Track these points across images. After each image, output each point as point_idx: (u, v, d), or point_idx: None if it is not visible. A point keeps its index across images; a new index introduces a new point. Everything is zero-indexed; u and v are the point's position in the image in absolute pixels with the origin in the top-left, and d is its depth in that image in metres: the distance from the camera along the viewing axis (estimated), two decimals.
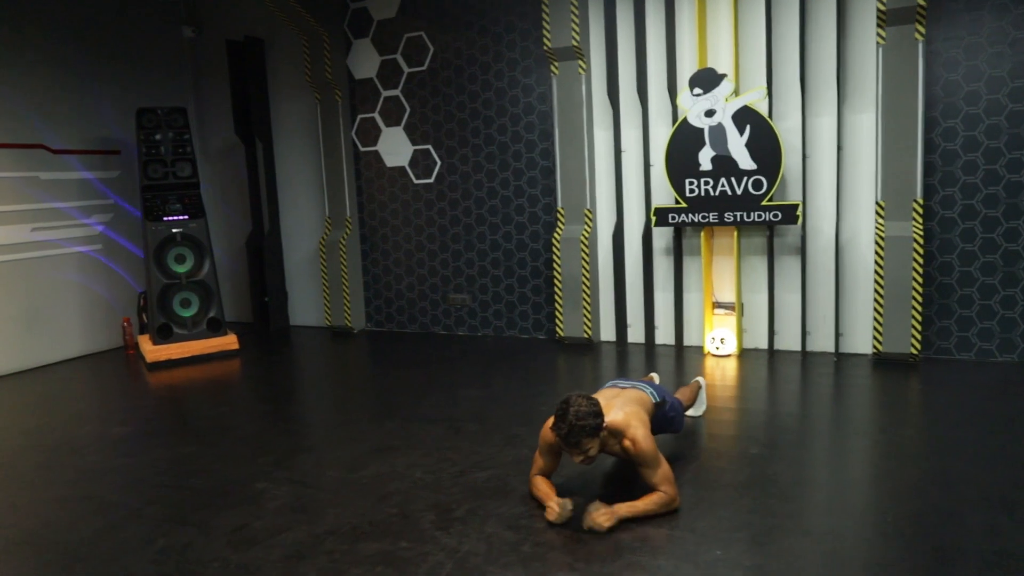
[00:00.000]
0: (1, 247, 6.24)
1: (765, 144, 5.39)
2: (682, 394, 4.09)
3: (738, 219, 5.55)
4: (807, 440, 4.03)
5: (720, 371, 5.40)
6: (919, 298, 5.18)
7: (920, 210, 5.15)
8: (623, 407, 3.25)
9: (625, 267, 6.20)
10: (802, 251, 5.54)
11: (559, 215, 6.27)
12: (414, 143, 6.99)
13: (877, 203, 5.26)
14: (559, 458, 3.32)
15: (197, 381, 5.95)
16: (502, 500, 3.42)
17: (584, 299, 6.22)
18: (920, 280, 5.16)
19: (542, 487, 3.30)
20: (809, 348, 5.67)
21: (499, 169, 6.63)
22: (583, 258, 6.16)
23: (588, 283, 6.19)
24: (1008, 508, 3.11)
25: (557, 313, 6.35)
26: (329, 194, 7.30)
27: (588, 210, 6.17)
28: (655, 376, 4.48)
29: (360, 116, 7.18)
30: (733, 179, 5.52)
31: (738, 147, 5.46)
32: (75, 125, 6.78)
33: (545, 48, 6.03)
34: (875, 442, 4.02)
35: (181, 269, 6.50)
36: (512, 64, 6.45)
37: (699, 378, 4.44)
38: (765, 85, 5.46)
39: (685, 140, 5.61)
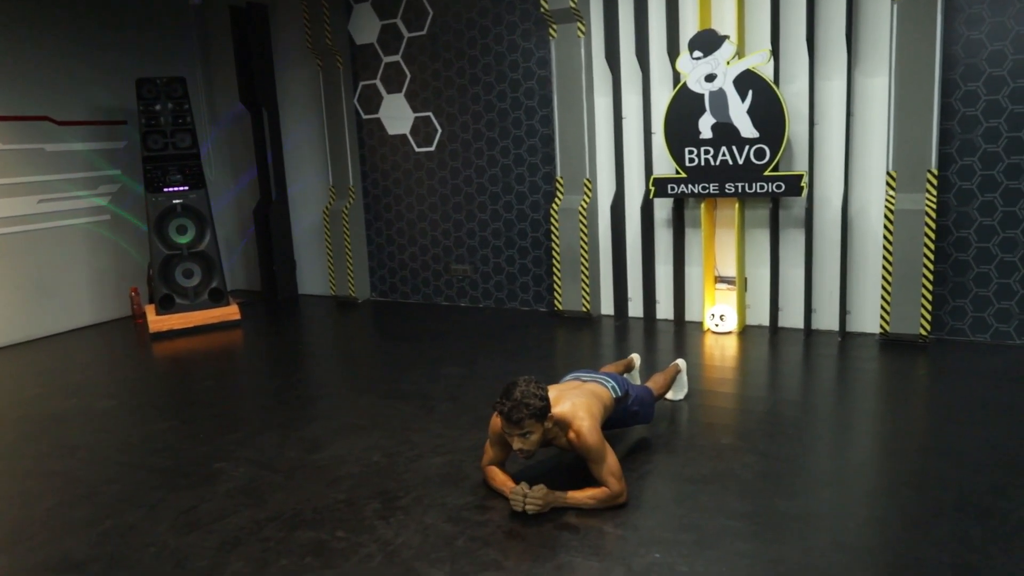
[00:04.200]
0: (8, 219, 6.33)
1: (768, 110, 5.07)
2: (655, 381, 3.90)
3: (740, 190, 5.26)
4: (785, 430, 3.76)
5: (717, 349, 5.18)
6: (930, 276, 4.85)
7: (934, 181, 4.79)
8: (574, 399, 3.12)
9: (626, 239, 5.98)
10: (808, 224, 5.24)
11: (558, 185, 6.06)
12: (415, 110, 6.82)
13: (888, 173, 4.92)
14: (509, 448, 3.18)
15: (194, 352, 5.98)
16: (450, 488, 3.33)
17: (583, 272, 6.03)
18: (932, 257, 4.82)
19: (498, 476, 3.21)
20: (814, 326, 5.39)
21: (499, 137, 6.43)
22: (582, 229, 5.96)
23: (587, 255, 5.99)
24: (982, 516, 2.88)
25: (555, 286, 6.18)
26: (333, 163, 7.21)
27: (588, 180, 5.95)
28: (635, 357, 4.31)
29: (362, 83, 7.04)
30: (734, 148, 5.22)
31: (739, 114, 5.15)
32: (81, 96, 6.80)
33: (543, 10, 5.77)
34: (859, 436, 3.79)
35: (182, 240, 6.52)
36: (512, 27, 6.20)
37: (679, 360, 4.24)
38: (769, 47, 5.12)
39: (684, 107, 5.32)
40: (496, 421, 3.09)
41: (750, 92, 5.10)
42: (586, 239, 5.96)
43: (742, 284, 5.52)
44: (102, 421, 4.46)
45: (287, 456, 3.79)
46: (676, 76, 5.42)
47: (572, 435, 3.02)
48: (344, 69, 6.97)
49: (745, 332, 5.51)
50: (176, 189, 6.48)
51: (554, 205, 6.06)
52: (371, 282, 7.45)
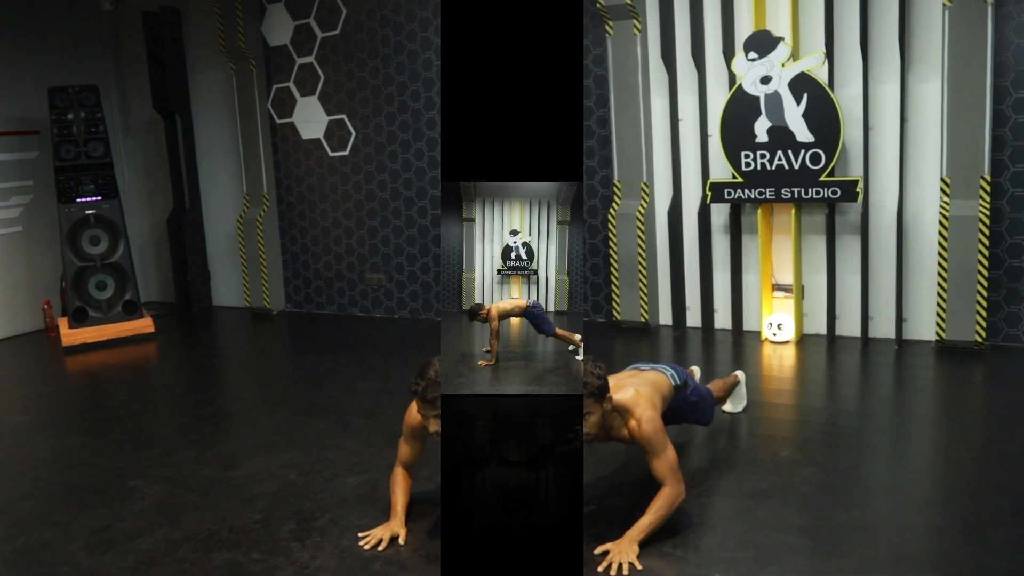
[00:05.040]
0: None
1: (823, 114, 4.61)
2: (714, 385, 3.52)
3: (796, 195, 4.74)
4: (843, 441, 3.41)
5: (776, 360, 4.67)
6: (984, 282, 4.37)
7: (987, 187, 4.32)
8: (635, 386, 2.81)
9: (683, 245, 5.41)
10: (864, 230, 4.73)
11: (615, 189, 5.45)
12: (329, 113, 6.31)
13: (942, 179, 4.43)
14: (422, 444, 2.82)
15: (108, 366, 5.37)
16: (367, 509, 2.94)
17: (641, 280, 5.41)
18: (986, 263, 4.36)
19: (396, 493, 2.77)
20: (871, 334, 4.84)
21: (413, 140, 5.98)
22: (639, 236, 5.34)
23: (645, 263, 5.38)
24: None
25: (614, 295, 5.53)
26: (246, 169, 6.59)
27: (644, 184, 5.35)
28: (696, 370, 3.77)
29: (275, 86, 6.49)
30: (790, 152, 4.72)
31: (795, 117, 4.67)
32: None
33: (598, 5, 5.24)
34: (916, 445, 3.48)
35: (96, 251, 5.80)
36: None
37: (738, 372, 3.74)
38: (823, 50, 4.68)
39: (741, 109, 4.83)
40: (412, 410, 2.73)
41: (805, 95, 4.65)
42: (644, 246, 5.37)
43: (799, 292, 4.98)
44: (14, 436, 4.11)
45: (202, 474, 3.39)
46: (732, 77, 4.96)
47: (633, 423, 2.70)
48: (258, 72, 6.40)
49: (803, 341, 4.96)
50: (89, 199, 5.82)
51: (611, 210, 5.44)
52: (286, 292, 6.77)
